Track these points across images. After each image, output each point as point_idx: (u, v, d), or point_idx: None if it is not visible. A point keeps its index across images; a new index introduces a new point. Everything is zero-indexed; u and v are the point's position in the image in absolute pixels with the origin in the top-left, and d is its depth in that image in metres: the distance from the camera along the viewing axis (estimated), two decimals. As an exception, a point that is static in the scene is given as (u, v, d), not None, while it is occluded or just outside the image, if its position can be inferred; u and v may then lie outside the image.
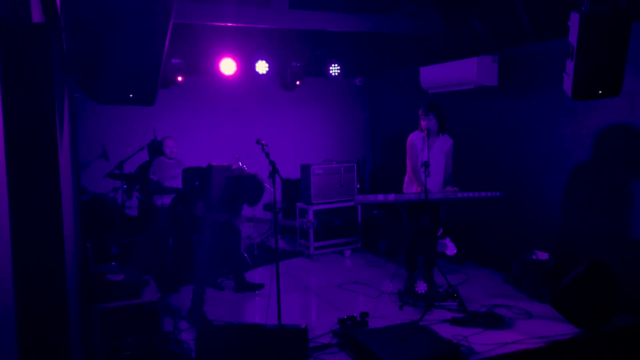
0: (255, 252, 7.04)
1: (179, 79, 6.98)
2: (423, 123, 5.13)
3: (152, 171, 6.72)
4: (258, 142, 4.59)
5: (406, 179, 5.41)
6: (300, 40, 7.50)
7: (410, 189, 5.30)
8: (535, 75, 5.64)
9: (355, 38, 7.70)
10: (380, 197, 4.92)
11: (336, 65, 7.97)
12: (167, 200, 6.44)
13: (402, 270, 5.67)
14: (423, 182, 4.82)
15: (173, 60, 6.92)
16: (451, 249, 6.42)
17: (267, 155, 4.49)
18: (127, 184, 6.57)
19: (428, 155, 4.88)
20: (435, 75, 6.53)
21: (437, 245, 5.90)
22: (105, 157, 6.70)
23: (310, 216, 6.87)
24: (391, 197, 4.91)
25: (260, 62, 7.45)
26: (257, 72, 7.48)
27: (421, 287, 5.16)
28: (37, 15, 2.36)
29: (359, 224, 7.22)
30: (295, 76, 7.74)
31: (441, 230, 5.46)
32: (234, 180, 5.02)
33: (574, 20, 3.68)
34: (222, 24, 5.84)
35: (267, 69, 7.48)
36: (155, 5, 2.67)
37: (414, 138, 5.31)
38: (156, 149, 7.19)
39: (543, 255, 5.40)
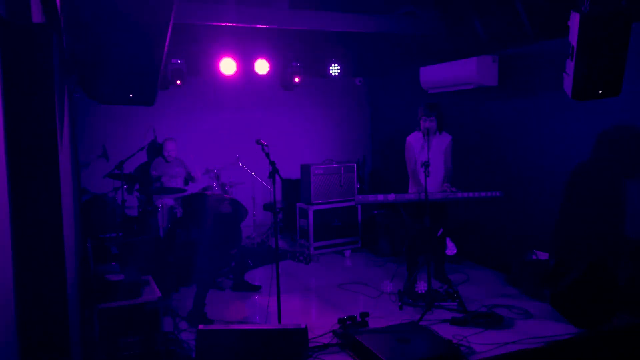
0: (255, 252, 7.03)
1: (178, 82, 6.98)
2: (423, 124, 5.13)
3: (152, 168, 6.72)
4: (258, 142, 4.59)
5: (411, 181, 5.42)
6: (300, 40, 7.50)
7: (414, 189, 5.31)
8: (535, 75, 5.64)
9: (355, 38, 7.70)
10: (380, 197, 4.92)
11: (336, 65, 7.97)
12: (167, 200, 6.44)
13: (402, 270, 5.67)
14: (423, 182, 4.82)
15: (173, 60, 6.92)
16: (451, 249, 6.42)
17: (267, 155, 4.49)
18: (127, 184, 6.57)
19: (428, 155, 4.88)
20: (435, 75, 6.53)
21: (444, 247, 5.87)
22: (105, 157, 6.70)
23: (310, 217, 6.87)
24: (391, 197, 4.91)
25: (260, 62, 7.45)
26: (257, 72, 7.49)
27: (421, 287, 5.16)
28: (37, 15, 2.36)
29: (359, 224, 7.22)
30: (295, 76, 7.75)
31: (441, 230, 5.45)
32: (220, 218, 5.12)
33: (574, 20, 3.68)
34: (222, 24, 5.84)
35: (267, 69, 7.48)
36: (155, 5, 2.66)
37: (412, 140, 5.32)
38: (156, 149, 7.18)
39: (543, 255, 5.40)
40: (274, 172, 4.41)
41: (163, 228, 6.09)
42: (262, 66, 7.46)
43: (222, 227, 5.10)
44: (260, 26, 5.94)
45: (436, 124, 5.13)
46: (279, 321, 4.33)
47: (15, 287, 1.95)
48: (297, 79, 7.76)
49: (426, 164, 4.67)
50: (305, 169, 7.05)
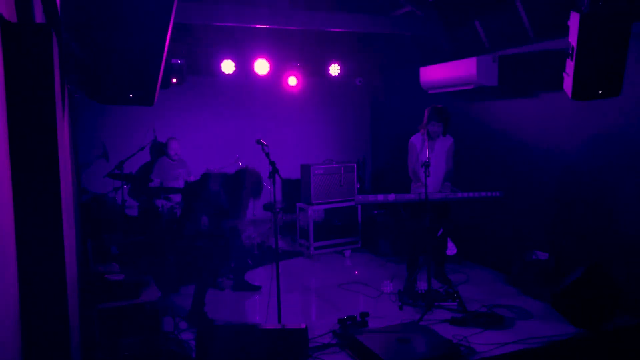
0: (255, 252, 7.03)
1: (174, 80, 6.97)
2: (431, 128, 5.13)
3: (155, 173, 6.70)
4: (258, 142, 4.59)
5: (413, 181, 5.42)
6: (300, 40, 7.50)
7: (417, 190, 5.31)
8: (535, 75, 5.64)
9: (355, 38, 7.70)
10: (380, 197, 4.92)
11: (336, 65, 7.97)
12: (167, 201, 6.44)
13: (402, 270, 5.67)
14: (423, 182, 4.82)
15: (173, 60, 6.92)
16: (451, 249, 6.42)
17: (267, 155, 4.49)
18: (131, 186, 6.55)
19: (428, 155, 4.88)
20: (435, 75, 6.53)
21: (445, 247, 5.85)
22: (106, 157, 6.70)
23: (310, 216, 6.87)
24: (391, 197, 4.91)
25: (260, 62, 7.45)
26: (257, 72, 7.49)
27: (421, 287, 5.16)
28: (37, 16, 2.36)
29: (359, 224, 7.22)
30: (294, 76, 7.75)
31: (441, 230, 5.45)
32: (233, 178, 5.04)
33: (574, 20, 3.68)
34: (222, 24, 5.84)
35: (267, 69, 7.48)
36: (155, 5, 2.66)
37: (415, 141, 5.32)
38: (158, 149, 7.18)
39: (543, 255, 5.40)
40: (274, 172, 4.41)
41: (167, 221, 6.05)
42: (262, 66, 7.46)
43: (233, 188, 5.00)
44: (260, 26, 5.94)
45: (443, 129, 5.16)
46: (279, 321, 4.33)
47: (16, 287, 1.95)
48: (295, 81, 7.78)
49: (426, 164, 4.67)
50: (305, 169, 7.04)
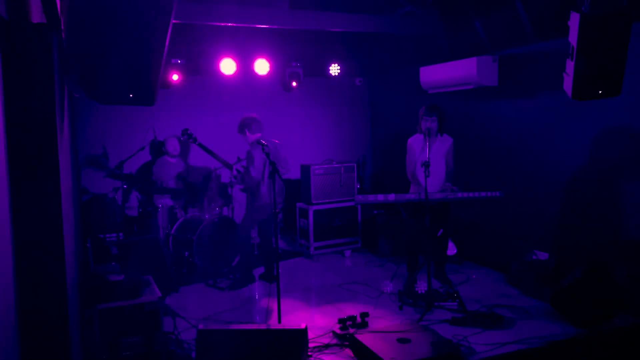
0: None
1: (175, 77, 6.97)
2: (424, 124, 5.14)
3: (154, 173, 6.70)
4: (258, 142, 4.60)
5: (411, 182, 5.42)
6: (300, 40, 7.50)
7: (415, 191, 5.31)
8: (535, 75, 5.64)
9: (355, 38, 7.70)
10: (380, 197, 4.92)
11: (336, 65, 7.97)
12: (167, 200, 6.43)
13: (402, 270, 5.66)
14: (423, 182, 4.82)
15: (173, 60, 6.92)
16: (451, 249, 6.42)
17: (267, 155, 4.50)
18: (127, 185, 6.57)
19: (428, 156, 4.88)
20: (435, 75, 6.53)
21: (446, 248, 5.84)
22: (106, 157, 6.70)
23: (310, 217, 6.86)
24: (391, 197, 4.91)
25: (260, 62, 7.45)
26: (257, 72, 7.49)
27: (421, 287, 5.16)
28: (37, 15, 2.36)
29: (359, 224, 7.22)
30: (294, 76, 7.75)
31: (441, 230, 5.45)
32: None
33: (574, 20, 3.68)
34: (222, 24, 5.84)
35: (267, 69, 7.48)
36: (155, 5, 2.66)
37: (413, 142, 5.34)
38: (158, 149, 7.18)
39: (543, 255, 5.40)
40: (274, 172, 4.41)
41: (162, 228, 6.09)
42: (262, 66, 7.46)
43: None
44: (260, 26, 5.94)
45: (437, 125, 5.14)
46: (279, 321, 4.33)
47: (16, 288, 1.95)
48: (294, 84, 7.78)
49: (426, 164, 4.67)
50: (305, 169, 7.05)
